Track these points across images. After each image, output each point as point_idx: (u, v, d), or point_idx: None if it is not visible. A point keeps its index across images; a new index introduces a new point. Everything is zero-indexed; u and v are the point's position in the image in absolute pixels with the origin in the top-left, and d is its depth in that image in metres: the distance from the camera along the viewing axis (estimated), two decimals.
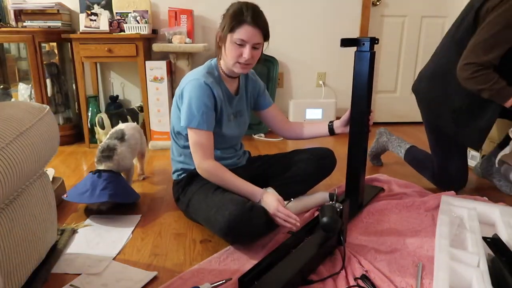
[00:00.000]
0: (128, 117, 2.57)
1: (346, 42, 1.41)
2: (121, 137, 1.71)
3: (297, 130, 1.66)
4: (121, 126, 1.80)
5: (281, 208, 1.28)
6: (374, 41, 1.43)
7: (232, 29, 1.33)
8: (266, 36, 1.39)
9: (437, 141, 1.77)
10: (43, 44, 2.49)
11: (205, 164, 1.39)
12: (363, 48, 1.44)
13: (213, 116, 1.41)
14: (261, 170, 1.64)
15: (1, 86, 2.68)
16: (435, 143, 1.79)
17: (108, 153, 1.63)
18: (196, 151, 1.40)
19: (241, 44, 1.34)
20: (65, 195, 1.55)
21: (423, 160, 1.91)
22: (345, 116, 1.55)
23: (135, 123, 1.98)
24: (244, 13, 1.32)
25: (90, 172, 1.61)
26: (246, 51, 1.34)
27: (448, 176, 1.76)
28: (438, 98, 1.68)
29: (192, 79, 1.40)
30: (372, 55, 1.43)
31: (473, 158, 2.13)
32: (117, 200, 1.56)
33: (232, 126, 1.52)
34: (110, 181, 1.56)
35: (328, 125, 1.59)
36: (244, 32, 1.33)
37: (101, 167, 1.61)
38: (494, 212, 1.48)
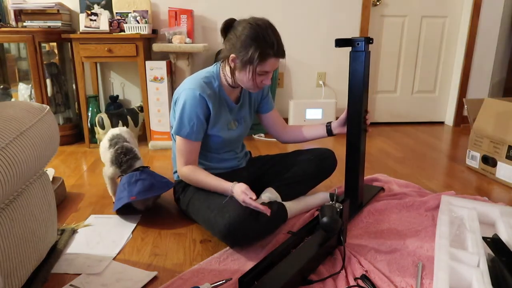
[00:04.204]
0: (128, 117, 2.57)
1: (340, 43, 1.40)
2: (124, 140, 1.71)
3: (295, 134, 1.65)
4: (115, 131, 1.75)
5: (247, 201, 1.24)
6: (368, 41, 1.43)
7: (259, 63, 1.29)
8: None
9: None
10: (43, 44, 2.49)
11: (183, 169, 1.42)
12: (358, 48, 1.44)
13: (203, 127, 1.41)
14: (262, 171, 1.64)
15: (1, 86, 2.68)
16: None
17: (132, 154, 1.63)
18: (180, 158, 1.42)
19: (264, 74, 1.34)
20: (133, 197, 1.50)
21: None
22: (343, 116, 1.55)
23: (125, 127, 1.96)
24: (274, 47, 1.28)
25: (126, 176, 1.57)
26: (268, 80, 1.36)
27: None
28: None
29: (188, 88, 1.38)
30: (367, 54, 1.43)
31: (473, 158, 2.14)
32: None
33: (232, 132, 1.51)
34: (150, 173, 1.59)
35: (326, 126, 1.60)
36: (270, 65, 1.31)
37: (137, 166, 1.61)
38: (494, 212, 1.48)
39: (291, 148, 2.25)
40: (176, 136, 1.41)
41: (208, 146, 1.49)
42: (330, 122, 1.60)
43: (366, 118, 1.52)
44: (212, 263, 1.24)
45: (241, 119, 1.54)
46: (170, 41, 2.54)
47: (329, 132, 1.59)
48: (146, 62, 2.44)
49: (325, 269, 1.18)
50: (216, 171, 1.53)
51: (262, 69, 1.31)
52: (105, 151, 1.69)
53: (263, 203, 1.36)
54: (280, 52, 1.31)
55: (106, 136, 1.73)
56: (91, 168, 2.16)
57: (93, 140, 2.60)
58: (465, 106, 2.58)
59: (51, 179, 1.70)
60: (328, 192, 1.65)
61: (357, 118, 1.49)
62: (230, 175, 1.54)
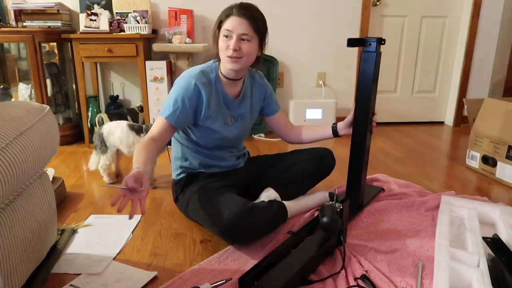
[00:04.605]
0: (128, 117, 2.57)
1: (352, 42, 1.39)
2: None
3: (301, 135, 1.64)
4: (126, 123, 1.90)
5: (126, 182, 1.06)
6: (380, 41, 1.41)
7: (220, 24, 1.35)
8: (258, 30, 1.34)
9: None
10: (43, 44, 2.49)
11: (142, 139, 1.33)
12: (369, 48, 1.43)
13: (187, 116, 1.39)
14: (260, 171, 1.64)
15: (1, 86, 2.68)
16: None
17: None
18: (149, 132, 1.36)
19: (228, 35, 1.33)
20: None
21: None
22: (349, 117, 1.54)
23: (125, 121, 2.01)
24: (236, 7, 1.34)
25: None
26: (232, 41, 1.32)
27: None
28: None
29: (184, 75, 1.41)
30: (378, 55, 1.43)
31: (473, 158, 2.13)
32: None
33: (230, 129, 1.50)
34: None
35: (332, 126, 1.59)
36: (230, 22, 1.32)
37: None
38: (494, 212, 1.48)
39: (289, 148, 2.23)
40: (158, 116, 1.39)
41: (205, 142, 1.49)
42: (335, 123, 1.60)
43: (373, 120, 1.52)
44: (212, 263, 1.24)
45: (238, 116, 1.52)
46: (170, 41, 2.54)
47: (335, 133, 1.59)
48: (146, 62, 2.44)
49: (325, 269, 1.18)
50: (213, 169, 1.53)
51: (225, 27, 1.33)
52: (128, 134, 1.89)
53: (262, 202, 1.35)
54: (241, 11, 1.32)
55: (122, 123, 1.92)
56: None
57: (93, 140, 2.60)
58: (465, 106, 2.58)
59: (51, 179, 1.70)
60: (328, 192, 1.65)
61: (364, 119, 1.48)
62: (228, 175, 1.54)
